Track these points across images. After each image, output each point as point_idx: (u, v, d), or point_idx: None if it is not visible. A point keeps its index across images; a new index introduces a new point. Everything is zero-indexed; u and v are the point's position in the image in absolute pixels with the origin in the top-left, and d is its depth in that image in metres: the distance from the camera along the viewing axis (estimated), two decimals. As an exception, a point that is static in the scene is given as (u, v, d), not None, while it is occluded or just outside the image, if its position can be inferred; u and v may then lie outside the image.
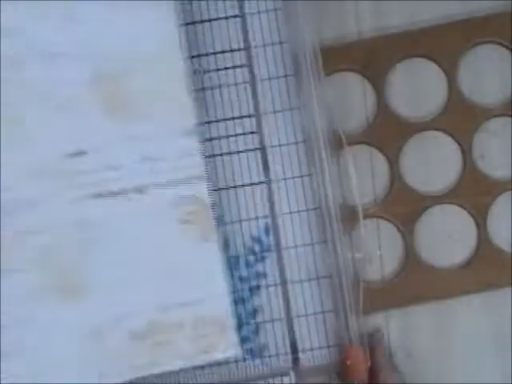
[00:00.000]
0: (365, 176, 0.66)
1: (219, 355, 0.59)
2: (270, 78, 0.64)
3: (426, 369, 0.63)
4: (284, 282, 0.63)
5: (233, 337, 0.59)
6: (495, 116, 0.66)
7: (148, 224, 0.59)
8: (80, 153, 0.59)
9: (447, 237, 0.66)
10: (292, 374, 0.62)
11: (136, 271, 0.59)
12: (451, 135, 0.66)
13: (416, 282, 0.64)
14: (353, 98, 0.66)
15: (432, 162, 0.66)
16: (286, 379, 0.62)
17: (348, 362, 0.61)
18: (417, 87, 0.67)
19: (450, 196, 0.66)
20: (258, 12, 0.64)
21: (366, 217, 0.65)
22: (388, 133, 0.66)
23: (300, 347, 0.63)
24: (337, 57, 0.66)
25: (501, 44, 0.67)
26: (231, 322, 0.60)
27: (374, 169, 0.66)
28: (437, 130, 0.66)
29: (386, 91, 0.66)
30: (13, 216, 0.58)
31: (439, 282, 0.64)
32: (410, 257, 0.65)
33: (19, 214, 0.59)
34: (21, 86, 0.59)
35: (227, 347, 0.59)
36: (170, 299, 0.59)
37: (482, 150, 0.66)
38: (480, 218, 0.65)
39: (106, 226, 0.59)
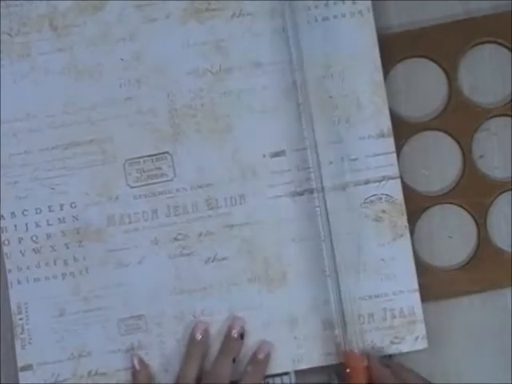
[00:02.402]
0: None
1: (406, 347, 0.62)
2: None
3: (425, 368, 0.63)
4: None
5: (421, 330, 0.62)
6: (495, 116, 0.66)
7: (344, 220, 0.62)
8: (280, 153, 0.63)
9: (447, 237, 0.66)
10: (292, 373, 0.62)
11: (332, 264, 0.62)
12: (451, 135, 0.66)
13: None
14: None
15: (431, 162, 0.66)
16: (286, 379, 0.62)
17: (347, 370, 0.61)
18: (416, 87, 0.67)
19: (450, 196, 0.66)
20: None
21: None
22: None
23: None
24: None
25: (501, 44, 0.66)
26: (420, 315, 0.62)
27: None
28: (436, 129, 0.66)
29: (386, 91, 0.65)
30: (222, 210, 0.63)
31: (439, 282, 0.64)
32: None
33: (229, 208, 0.63)
34: (229, 96, 0.64)
35: (415, 340, 0.62)
36: (363, 291, 0.62)
37: (482, 150, 0.66)
38: (480, 218, 0.65)
39: (302, 222, 0.63)
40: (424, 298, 0.63)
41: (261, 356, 0.62)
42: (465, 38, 0.66)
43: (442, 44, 0.66)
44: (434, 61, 0.66)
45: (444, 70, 0.66)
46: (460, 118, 0.66)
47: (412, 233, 0.64)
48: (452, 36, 0.66)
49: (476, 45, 0.66)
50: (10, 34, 0.64)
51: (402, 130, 0.65)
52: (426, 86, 0.67)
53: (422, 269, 0.64)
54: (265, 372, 0.62)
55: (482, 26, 0.66)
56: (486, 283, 0.64)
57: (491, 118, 0.66)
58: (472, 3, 0.66)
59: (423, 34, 0.66)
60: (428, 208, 0.65)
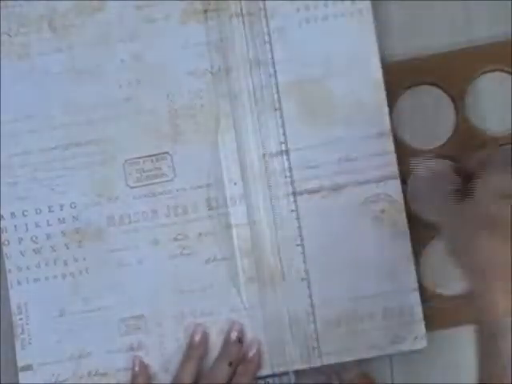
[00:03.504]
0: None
1: (407, 347, 0.62)
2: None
3: (425, 368, 0.63)
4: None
5: (421, 329, 0.62)
6: (503, 144, 0.65)
7: (343, 220, 0.63)
8: (280, 153, 0.63)
9: None
10: (292, 374, 0.62)
11: (332, 264, 0.63)
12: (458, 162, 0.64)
13: (427, 309, 0.63)
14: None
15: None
16: (285, 379, 0.62)
17: None
18: (424, 115, 0.66)
19: None
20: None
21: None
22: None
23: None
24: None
25: (509, 72, 0.65)
26: (420, 314, 0.62)
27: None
28: (444, 157, 0.65)
29: (393, 118, 0.65)
30: (222, 210, 0.63)
31: (448, 309, 0.64)
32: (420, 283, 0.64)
33: (229, 208, 0.63)
34: (229, 96, 0.64)
35: (415, 339, 0.62)
36: (363, 291, 0.63)
37: None
38: None
39: (302, 222, 0.63)
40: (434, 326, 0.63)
41: (250, 354, 0.62)
42: (473, 65, 0.65)
43: (450, 71, 0.65)
44: (442, 88, 0.65)
45: (452, 97, 0.65)
46: (467, 147, 0.64)
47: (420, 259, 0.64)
48: (460, 63, 0.65)
49: (484, 72, 0.65)
50: (9, 35, 0.64)
51: (409, 157, 0.64)
52: (433, 113, 0.66)
53: (432, 296, 0.64)
54: (256, 371, 0.62)
55: (490, 53, 0.65)
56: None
57: (499, 146, 0.65)
58: (481, 31, 0.66)
59: (431, 61, 0.65)
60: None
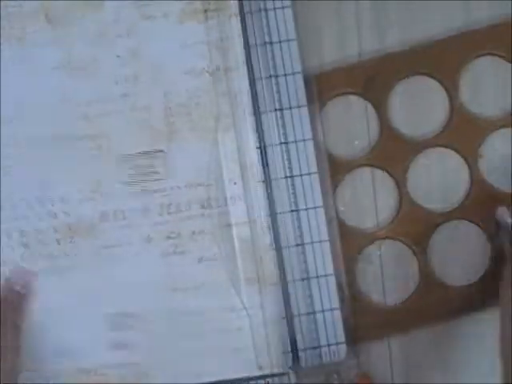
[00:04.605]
0: (368, 198, 0.65)
1: None
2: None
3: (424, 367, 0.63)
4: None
5: None
6: (499, 128, 0.65)
7: None
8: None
9: (460, 253, 0.64)
10: (291, 373, 0.62)
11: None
12: (456, 150, 0.65)
13: (430, 301, 0.63)
14: (355, 121, 0.66)
15: (439, 179, 0.65)
16: (285, 379, 0.62)
17: None
18: (419, 105, 0.66)
19: (460, 212, 0.64)
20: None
21: (374, 239, 0.64)
22: (392, 153, 0.65)
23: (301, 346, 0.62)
24: (338, 81, 0.65)
25: (500, 56, 0.66)
26: None
27: (377, 191, 0.65)
28: (441, 146, 0.65)
29: (388, 111, 0.65)
30: (216, 209, 0.63)
31: (453, 300, 0.63)
32: (424, 276, 0.64)
33: (223, 208, 0.63)
34: (226, 96, 0.64)
35: None
36: None
37: (489, 163, 0.65)
38: (491, 233, 0.64)
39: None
40: (437, 317, 0.62)
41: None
42: (465, 51, 0.65)
43: (443, 59, 0.65)
44: (435, 77, 0.66)
45: (445, 85, 0.65)
46: (464, 133, 0.65)
47: (424, 251, 0.63)
48: (452, 50, 0.65)
49: (476, 57, 0.66)
50: (5, 29, 0.64)
51: (407, 149, 0.65)
52: (427, 102, 0.66)
53: (436, 287, 0.63)
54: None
55: (481, 38, 0.65)
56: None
57: (495, 130, 0.65)
58: (471, 15, 0.66)
59: (423, 51, 0.65)
60: (439, 225, 0.64)
